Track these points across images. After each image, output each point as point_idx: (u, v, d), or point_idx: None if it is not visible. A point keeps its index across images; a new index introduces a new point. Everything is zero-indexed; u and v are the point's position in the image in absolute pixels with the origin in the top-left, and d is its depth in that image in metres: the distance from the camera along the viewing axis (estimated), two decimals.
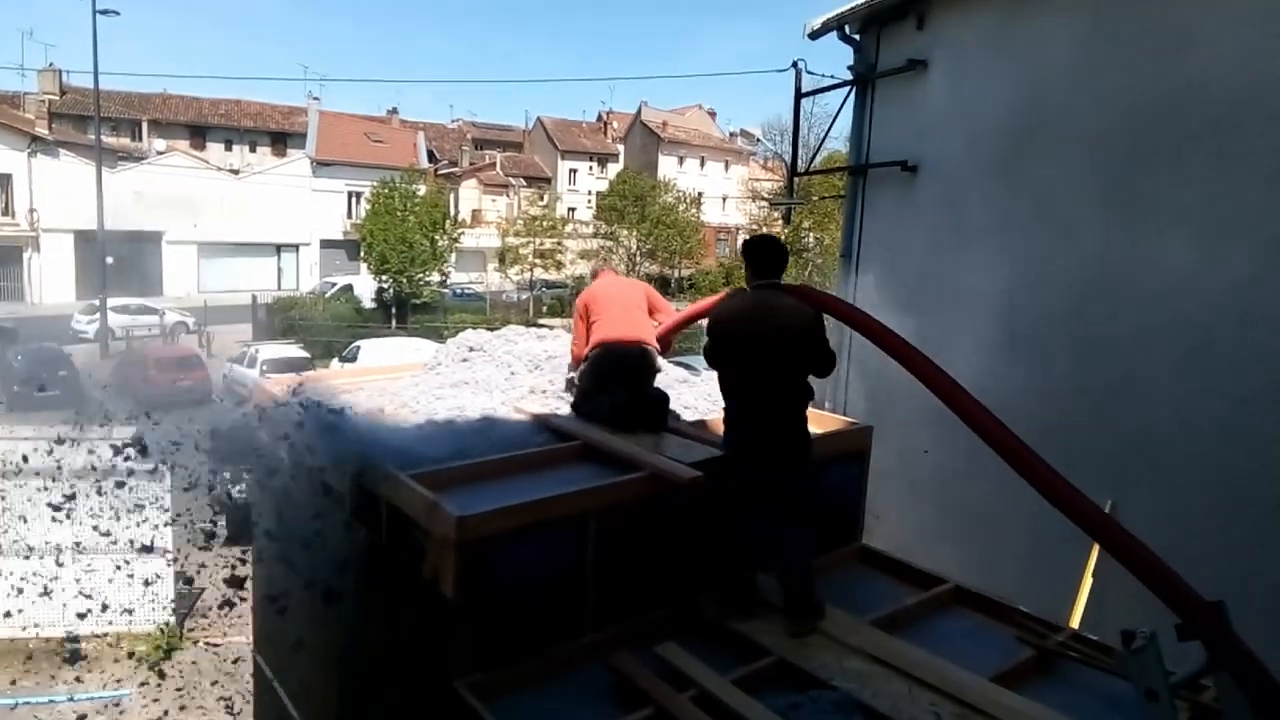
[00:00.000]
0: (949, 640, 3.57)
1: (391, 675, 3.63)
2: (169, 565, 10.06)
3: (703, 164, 56.68)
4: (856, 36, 8.29)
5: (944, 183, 7.37)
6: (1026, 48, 6.61)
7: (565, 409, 4.56)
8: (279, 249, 41.18)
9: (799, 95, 9.62)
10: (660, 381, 4.67)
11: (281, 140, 47.12)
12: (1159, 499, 5.55)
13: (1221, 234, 5.23)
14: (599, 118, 60.26)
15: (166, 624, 10.08)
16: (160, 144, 42.29)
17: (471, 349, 5.12)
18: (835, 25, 8.23)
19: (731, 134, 61.08)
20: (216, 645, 10.06)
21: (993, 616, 3.80)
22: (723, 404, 3.80)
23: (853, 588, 4.10)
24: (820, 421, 4.58)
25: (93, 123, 30.69)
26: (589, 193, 52.91)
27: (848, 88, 8.51)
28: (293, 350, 23.70)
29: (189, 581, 10.13)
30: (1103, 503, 5.82)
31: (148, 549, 9.82)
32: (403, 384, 4.96)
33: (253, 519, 5.67)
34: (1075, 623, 5.65)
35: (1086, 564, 5.74)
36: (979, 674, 3.19)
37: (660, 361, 4.71)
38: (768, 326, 3.57)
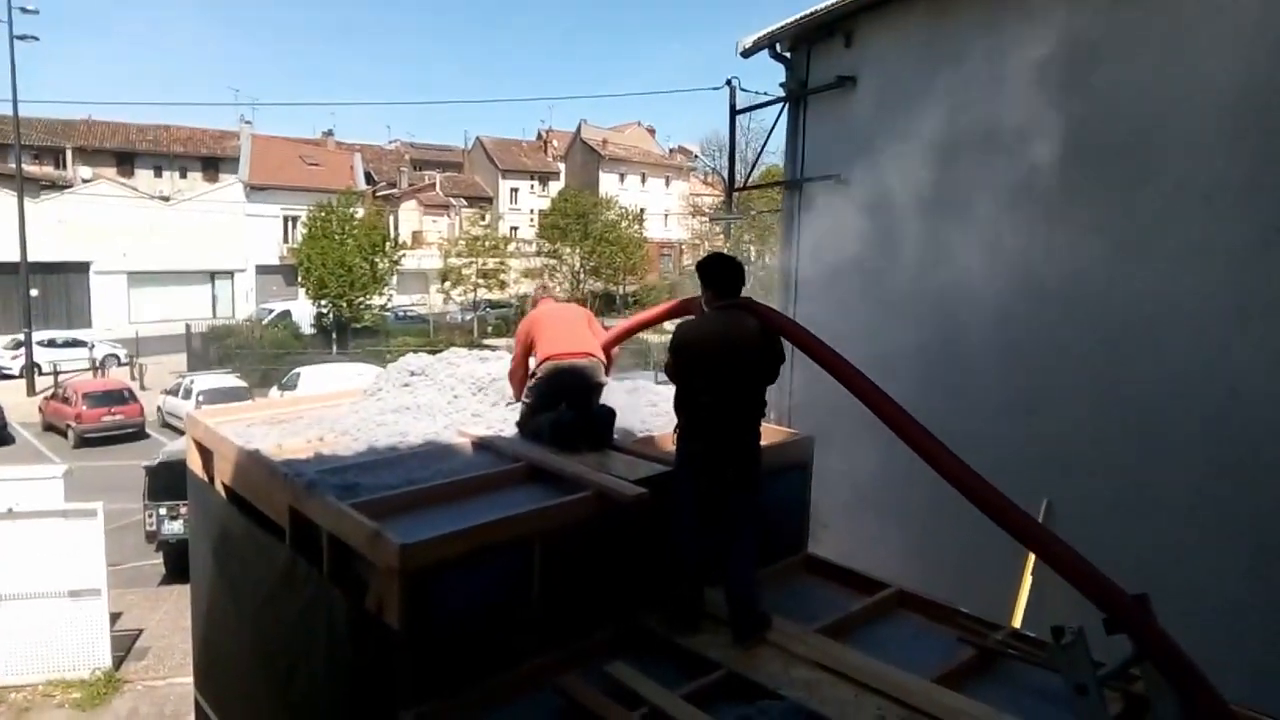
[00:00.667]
0: (893, 644, 3.64)
1: (337, 709, 3.56)
2: (105, 607, 9.72)
3: (644, 180, 57.07)
4: (788, 54, 8.48)
5: (875, 196, 7.55)
6: (949, 66, 6.83)
7: (509, 431, 4.54)
8: (213, 276, 40.20)
9: (734, 112, 9.80)
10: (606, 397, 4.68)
11: (213, 165, 46.13)
12: (1084, 501, 5.74)
13: (1134, 245, 5.46)
14: (539, 136, 60.34)
15: (104, 669, 9.69)
16: (86, 172, 41.05)
17: (413, 373, 5.07)
18: (767, 43, 8.40)
19: (671, 150, 61.66)
20: (157, 688, 9.71)
21: (935, 618, 3.88)
22: (673, 418, 3.84)
23: (799, 597, 4.15)
24: (763, 433, 4.64)
25: (13, 150, 29.68)
26: (531, 211, 52.87)
27: (781, 104, 8.69)
28: (230, 380, 23.14)
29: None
30: (1039, 501, 6.01)
31: (83, 591, 9.48)
32: (342, 411, 4.89)
33: (190, 557, 5.51)
34: (1018, 620, 5.80)
35: (1026, 563, 5.91)
36: (922, 675, 3.26)
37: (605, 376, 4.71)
38: (734, 347, 3.62)
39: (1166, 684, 2.18)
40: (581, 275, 42.61)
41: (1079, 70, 5.78)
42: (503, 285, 39.49)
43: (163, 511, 12.53)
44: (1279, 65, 4.70)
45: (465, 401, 4.83)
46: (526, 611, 3.40)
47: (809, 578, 4.44)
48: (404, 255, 36.65)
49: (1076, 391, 5.80)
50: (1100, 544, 5.56)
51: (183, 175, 45.64)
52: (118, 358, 30.63)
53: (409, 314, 40.11)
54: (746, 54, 8.63)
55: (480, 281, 38.65)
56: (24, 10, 26.90)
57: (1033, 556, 5.88)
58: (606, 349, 4.71)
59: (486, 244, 39.73)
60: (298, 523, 3.70)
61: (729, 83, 9.77)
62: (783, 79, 8.66)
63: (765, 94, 9.41)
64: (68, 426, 21.34)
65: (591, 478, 3.73)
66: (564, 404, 4.36)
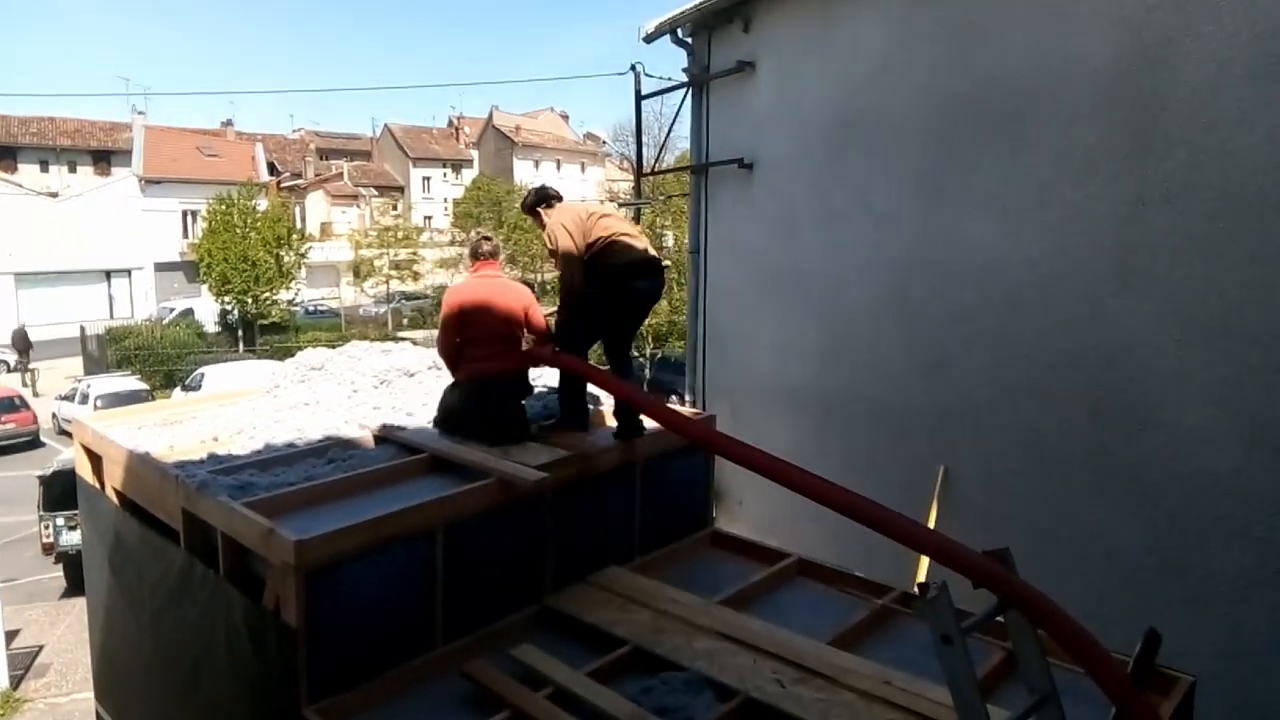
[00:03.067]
0: (792, 610, 3.79)
1: (241, 711, 3.51)
2: None
3: (559, 166, 56.68)
4: (689, 40, 8.55)
5: (777, 178, 7.71)
6: (842, 48, 7.01)
7: (412, 424, 4.49)
8: (109, 274, 38.27)
9: (639, 98, 9.86)
10: None
11: (105, 159, 43.87)
12: (983, 462, 6.03)
13: (1019, 216, 5.73)
14: (450, 123, 59.17)
15: (0, 689, 9.26)
16: None
17: (312, 368, 4.97)
18: (668, 29, 8.45)
19: (586, 136, 61.40)
20: (59, 704, 9.33)
21: (832, 584, 4.04)
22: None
23: (705, 571, 4.27)
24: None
25: None
26: (445, 200, 51.96)
27: (685, 89, 8.77)
28: (130, 382, 22.16)
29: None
30: (934, 469, 6.28)
31: None
32: (238, 410, 4.76)
33: (85, 567, 5.31)
34: (922, 577, 6.06)
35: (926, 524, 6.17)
36: (818, 639, 3.40)
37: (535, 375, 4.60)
38: None
39: (1028, 626, 2.35)
40: None
41: (961, 49, 6.01)
42: (416, 276, 38.76)
43: (60, 522, 11.97)
44: (1139, 40, 4.99)
45: (366, 395, 4.76)
46: (431, 601, 3.41)
47: (715, 552, 4.57)
48: (311, 248, 35.56)
49: (973, 359, 6.05)
50: (997, 501, 5.88)
51: (72, 170, 43.24)
52: (7, 363, 29.01)
53: (320, 309, 39.05)
54: (649, 39, 8.67)
55: (393, 273, 37.85)
56: None
57: (933, 518, 6.17)
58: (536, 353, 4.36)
59: (398, 234, 38.91)
60: (192, 525, 3.62)
61: (633, 68, 9.79)
62: (685, 64, 8.74)
63: (671, 79, 9.46)
64: None
65: (493, 465, 3.74)
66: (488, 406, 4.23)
